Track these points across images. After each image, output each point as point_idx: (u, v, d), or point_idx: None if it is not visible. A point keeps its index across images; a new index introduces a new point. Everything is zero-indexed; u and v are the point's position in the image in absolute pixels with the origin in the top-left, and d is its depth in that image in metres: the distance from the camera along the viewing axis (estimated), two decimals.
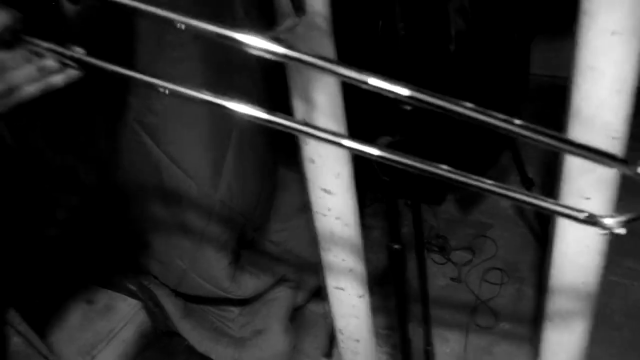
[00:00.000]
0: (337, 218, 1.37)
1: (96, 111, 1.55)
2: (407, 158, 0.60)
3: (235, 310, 1.97)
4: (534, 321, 1.95)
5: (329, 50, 1.09)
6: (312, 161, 1.30)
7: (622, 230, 0.57)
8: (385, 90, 0.55)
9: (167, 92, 0.65)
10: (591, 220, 0.59)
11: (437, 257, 2.30)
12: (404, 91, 0.55)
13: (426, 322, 1.57)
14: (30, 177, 1.85)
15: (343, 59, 0.60)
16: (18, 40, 0.70)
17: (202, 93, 0.64)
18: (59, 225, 1.91)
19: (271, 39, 0.59)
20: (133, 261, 2.00)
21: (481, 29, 1.69)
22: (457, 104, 0.54)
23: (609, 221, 0.58)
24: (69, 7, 0.77)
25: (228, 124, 1.57)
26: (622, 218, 0.57)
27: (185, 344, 2.00)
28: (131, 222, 1.85)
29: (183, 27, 0.59)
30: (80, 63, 0.70)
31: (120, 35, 1.33)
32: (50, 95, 0.76)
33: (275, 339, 1.90)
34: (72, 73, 0.72)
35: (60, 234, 1.91)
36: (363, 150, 0.61)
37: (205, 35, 0.59)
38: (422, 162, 0.60)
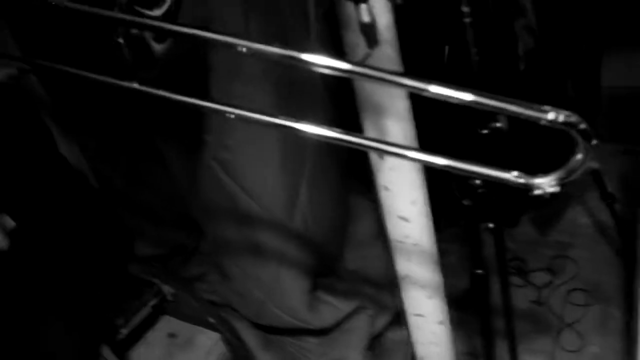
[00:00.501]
0: (414, 245, 1.36)
1: (174, 149, 1.61)
2: (479, 166, 0.59)
3: (314, 340, 1.98)
4: (623, 343, 1.86)
5: None
6: (387, 189, 1.29)
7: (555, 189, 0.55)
8: (449, 97, 0.55)
9: (232, 116, 0.67)
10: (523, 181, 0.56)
11: (515, 279, 2.23)
12: (467, 96, 0.55)
13: (512, 348, 1.52)
14: (113, 214, 1.94)
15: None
16: None
17: (269, 116, 0.66)
18: (139, 260, 1.99)
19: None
20: (211, 296, 2.05)
21: (549, 45, 1.66)
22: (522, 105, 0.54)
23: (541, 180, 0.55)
24: (157, 47, 0.81)
25: (301, 156, 1.60)
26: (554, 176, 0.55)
27: None
28: (210, 255, 1.90)
29: (244, 50, 0.61)
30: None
31: (197, 67, 1.38)
32: (130, 137, 0.80)
33: None
34: None
35: (141, 268, 1.98)
36: (436, 163, 0.62)
37: (270, 57, 0.60)
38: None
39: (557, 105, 0.52)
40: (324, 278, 1.95)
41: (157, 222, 1.99)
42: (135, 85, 0.69)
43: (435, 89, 0.56)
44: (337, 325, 1.95)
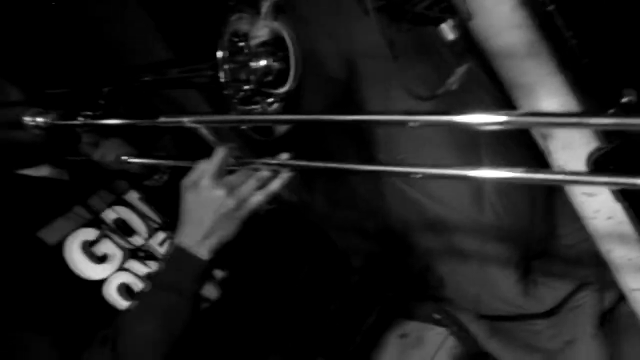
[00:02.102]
0: (608, 218, 1.30)
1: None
2: None
3: (542, 322, 1.94)
4: None
5: None
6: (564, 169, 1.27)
7: None
8: None
9: (419, 176, 0.73)
10: None
11: None
12: None
13: None
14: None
15: None
16: (239, 164, 0.89)
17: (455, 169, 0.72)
18: (357, 271, 2.15)
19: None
20: (432, 293, 2.13)
21: None
22: None
23: None
24: (280, 129, 0.93)
25: (475, 151, 1.61)
26: None
27: None
28: (418, 259, 1.99)
29: (417, 124, 0.67)
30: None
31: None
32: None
33: (587, 348, 1.81)
34: (285, 176, 0.88)
35: (360, 279, 2.15)
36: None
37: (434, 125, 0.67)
38: None
39: None
40: (538, 260, 1.91)
41: (367, 235, 2.13)
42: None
43: None
44: (562, 305, 1.89)
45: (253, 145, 1.00)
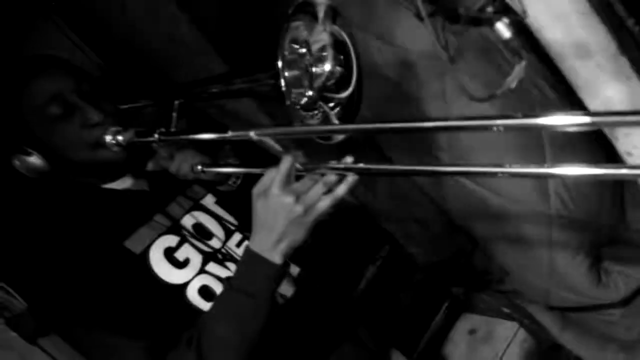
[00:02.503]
0: None
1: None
2: None
3: (616, 312, 1.89)
4: None
5: None
6: (630, 154, 1.25)
7: None
8: None
9: (501, 175, 0.74)
10: None
11: None
12: None
13: None
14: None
15: None
16: (306, 170, 0.92)
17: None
18: (421, 269, 2.16)
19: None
20: (499, 287, 2.12)
21: None
22: None
23: None
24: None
25: (539, 140, 1.59)
26: None
27: (573, 355, 1.99)
28: (483, 252, 1.98)
29: (502, 129, 0.68)
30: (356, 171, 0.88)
31: None
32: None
33: None
34: (350, 180, 0.90)
35: (425, 277, 2.15)
36: None
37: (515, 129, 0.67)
38: None
39: None
40: (609, 248, 1.86)
41: (431, 232, 2.13)
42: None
43: None
44: (638, 293, 1.84)
45: (316, 147, 1.03)
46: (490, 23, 0.81)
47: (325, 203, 0.94)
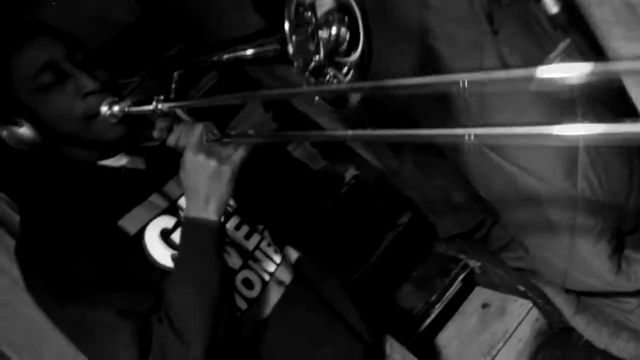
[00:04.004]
0: None
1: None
2: None
3: (633, 301, 1.88)
4: None
5: None
6: None
7: None
8: None
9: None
10: None
11: None
12: None
13: None
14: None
15: None
16: (217, 140, 0.97)
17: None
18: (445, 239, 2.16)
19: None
20: (517, 264, 2.11)
21: None
22: None
23: None
24: (354, 98, 0.93)
25: (575, 121, 1.55)
26: None
27: (584, 339, 2.00)
28: (504, 229, 1.97)
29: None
30: None
31: None
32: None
33: None
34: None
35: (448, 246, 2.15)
36: None
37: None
38: None
39: None
40: (632, 236, 1.84)
41: (454, 203, 2.12)
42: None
43: None
44: None
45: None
46: None
47: (239, 153, 0.96)
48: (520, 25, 1.31)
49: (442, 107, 1.64)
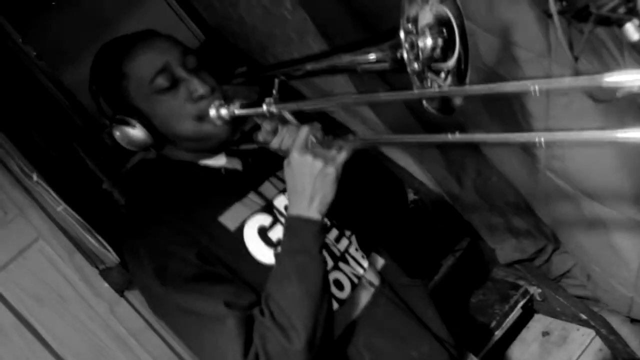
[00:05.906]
0: None
1: (506, 166, 1.73)
2: None
3: None
4: None
5: None
6: None
7: None
8: None
9: None
10: None
11: None
12: None
13: None
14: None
15: None
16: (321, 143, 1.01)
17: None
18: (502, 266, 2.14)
19: None
20: (579, 292, 2.07)
21: None
22: None
23: None
24: (456, 102, 0.95)
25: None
26: None
27: None
28: (568, 256, 1.95)
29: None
30: None
31: None
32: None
33: None
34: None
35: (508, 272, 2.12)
36: None
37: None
38: None
39: None
40: None
41: (515, 229, 2.11)
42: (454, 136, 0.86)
43: None
44: None
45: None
46: (620, 23, 0.80)
47: (342, 155, 0.99)
48: (589, 50, 1.31)
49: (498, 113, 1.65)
